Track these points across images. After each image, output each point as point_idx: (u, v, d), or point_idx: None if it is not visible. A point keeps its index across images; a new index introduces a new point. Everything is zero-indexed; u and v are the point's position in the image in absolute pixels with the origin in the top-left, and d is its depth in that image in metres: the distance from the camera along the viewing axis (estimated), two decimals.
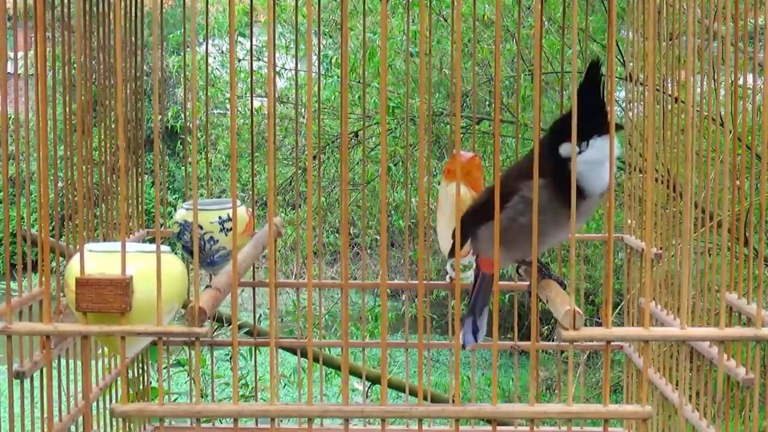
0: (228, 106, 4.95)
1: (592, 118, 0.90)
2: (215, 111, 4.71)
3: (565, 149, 0.93)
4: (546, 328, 4.67)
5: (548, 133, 1.00)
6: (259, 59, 4.16)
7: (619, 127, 0.94)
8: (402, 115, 3.85)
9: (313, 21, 0.90)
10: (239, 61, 3.93)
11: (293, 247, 4.22)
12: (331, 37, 4.45)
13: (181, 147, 6.36)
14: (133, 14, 1.37)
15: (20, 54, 1.16)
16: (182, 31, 1.56)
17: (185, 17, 1.45)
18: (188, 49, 1.66)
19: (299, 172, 1.74)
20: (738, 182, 1.07)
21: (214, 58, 4.58)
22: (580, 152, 0.93)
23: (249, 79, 1.54)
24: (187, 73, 1.68)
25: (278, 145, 4.23)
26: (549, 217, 0.92)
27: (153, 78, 1.06)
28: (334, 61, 4.35)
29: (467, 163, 1.24)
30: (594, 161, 0.94)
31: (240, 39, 4.09)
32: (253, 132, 1.53)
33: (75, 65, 1.09)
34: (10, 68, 0.93)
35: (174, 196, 6.36)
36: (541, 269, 1.00)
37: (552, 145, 0.94)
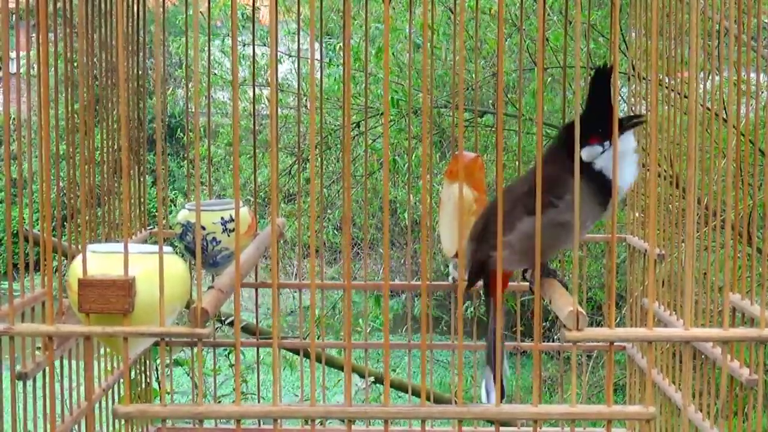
0: (229, 106, 4.94)
1: (605, 118, 0.93)
2: (216, 112, 4.70)
3: (586, 153, 0.99)
4: (544, 325, 4.67)
5: (558, 141, 1.07)
6: (264, 44, 4.09)
7: (635, 121, 1.03)
8: (407, 108, 3.83)
9: (315, 9, 0.90)
10: (243, 46, 3.89)
11: (294, 245, 4.21)
12: (334, 22, 4.42)
13: (179, 146, 6.37)
14: (135, 12, 1.36)
15: (22, 53, 1.16)
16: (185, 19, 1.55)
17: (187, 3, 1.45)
18: (190, 44, 1.66)
19: (300, 163, 1.74)
20: (742, 178, 1.07)
21: (221, 42, 4.54)
22: (603, 151, 1.00)
23: (251, 65, 1.53)
24: (189, 60, 1.68)
25: (278, 135, 4.19)
26: (587, 215, 1.01)
27: (155, 77, 1.06)
28: (338, 49, 4.32)
29: (469, 164, 1.23)
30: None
31: (241, 33, 4.07)
32: (255, 125, 1.53)
33: (77, 64, 1.09)
34: (11, 68, 0.93)
35: (174, 193, 6.37)
36: (544, 269, 1.03)
37: (569, 150, 0.91)
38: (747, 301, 1.05)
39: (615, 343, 0.90)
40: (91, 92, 1.19)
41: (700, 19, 1.01)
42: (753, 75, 1.21)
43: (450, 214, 1.26)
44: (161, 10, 1.39)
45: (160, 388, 0.93)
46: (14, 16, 1.09)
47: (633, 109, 1.44)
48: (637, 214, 1.41)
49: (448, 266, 1.45)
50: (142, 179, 1.40)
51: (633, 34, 1.45)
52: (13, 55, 1.01)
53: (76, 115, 1.13)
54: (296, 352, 1.83)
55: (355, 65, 3.78)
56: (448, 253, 1.30)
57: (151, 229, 1.45)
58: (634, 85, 1.45)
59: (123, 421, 1.28)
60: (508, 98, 3.76)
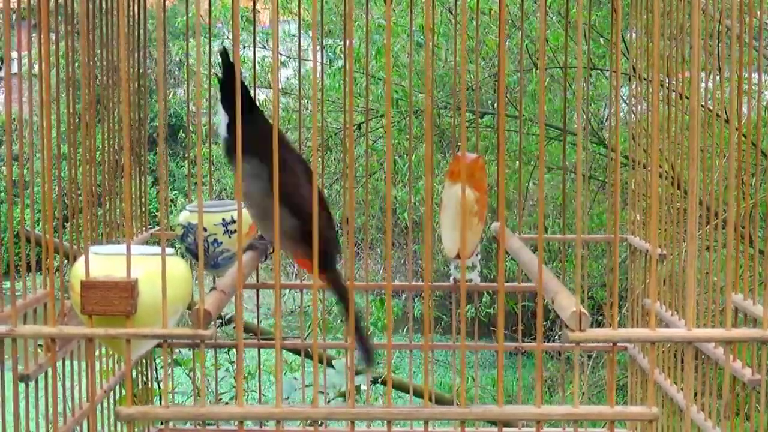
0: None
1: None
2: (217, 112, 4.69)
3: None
4: (544, 324, 4.66)
5: None
6: (265, 47, 4.09)
7: None
8: (407, 108, 3.82)
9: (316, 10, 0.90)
10: (244, 48, 3.89)
11: None
12: (334, 23, 4.42)
13: (181, 147, 6.36)
14: (136, 12, 1.36)
15: (23, 53, 1.16)
16: (186, 20, 1.55)
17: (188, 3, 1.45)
18: (192, 41, 1.65)
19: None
20: (743, 178, 1.07)
21: (221, 44, 4.54)
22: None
23: (252, 68, 1.53)
24: (191, 61, 1.68)
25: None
26: None
27: (158, 77, 1.05)
28: (338, 51, 4.31)
29: (471, 164, 1.23)
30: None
31: (241, 34, 4.05)
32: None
33: (78, 64, 1.08)
34: (13, 67, 0.93)
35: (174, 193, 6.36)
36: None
37: None
38: (749, 301, 1.04)
39: (617, 344, 0.90)
40: (92, 92, 1.19)
41: (701, 19, 1.00)
42: (755, 75, 1.21)
43: (451, 215, 1.26)
44: (161, 9, 1.38)
45: (160, 388, 0.93)
46: (15, 15, 1.09)
47: (633, 109, 1.44)
48: (638, 216, 1.41)
49: (448, 266, 1.45)
50: (142, 179, 1.40)
51: (633, 35, 1.45)
52: (14, 54, 1.01)
53: (77, 115, 1.13)
54: (297, 352, 1.82)
55: (354, 65, 3.78)
56: (449, 253, 1.30)
57: (151, 229, 1.45)
58: (635, 85, 1.45)
59: (125, 423, 1.28)
60: (508, 99, 3.76)
